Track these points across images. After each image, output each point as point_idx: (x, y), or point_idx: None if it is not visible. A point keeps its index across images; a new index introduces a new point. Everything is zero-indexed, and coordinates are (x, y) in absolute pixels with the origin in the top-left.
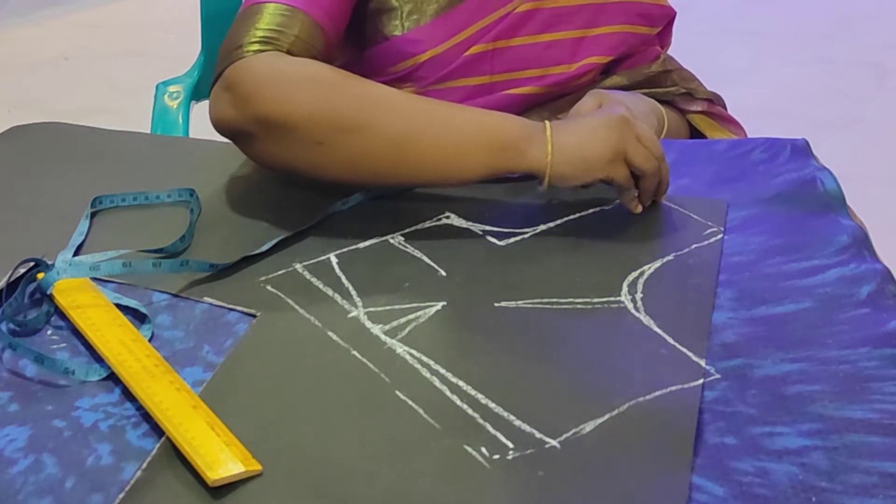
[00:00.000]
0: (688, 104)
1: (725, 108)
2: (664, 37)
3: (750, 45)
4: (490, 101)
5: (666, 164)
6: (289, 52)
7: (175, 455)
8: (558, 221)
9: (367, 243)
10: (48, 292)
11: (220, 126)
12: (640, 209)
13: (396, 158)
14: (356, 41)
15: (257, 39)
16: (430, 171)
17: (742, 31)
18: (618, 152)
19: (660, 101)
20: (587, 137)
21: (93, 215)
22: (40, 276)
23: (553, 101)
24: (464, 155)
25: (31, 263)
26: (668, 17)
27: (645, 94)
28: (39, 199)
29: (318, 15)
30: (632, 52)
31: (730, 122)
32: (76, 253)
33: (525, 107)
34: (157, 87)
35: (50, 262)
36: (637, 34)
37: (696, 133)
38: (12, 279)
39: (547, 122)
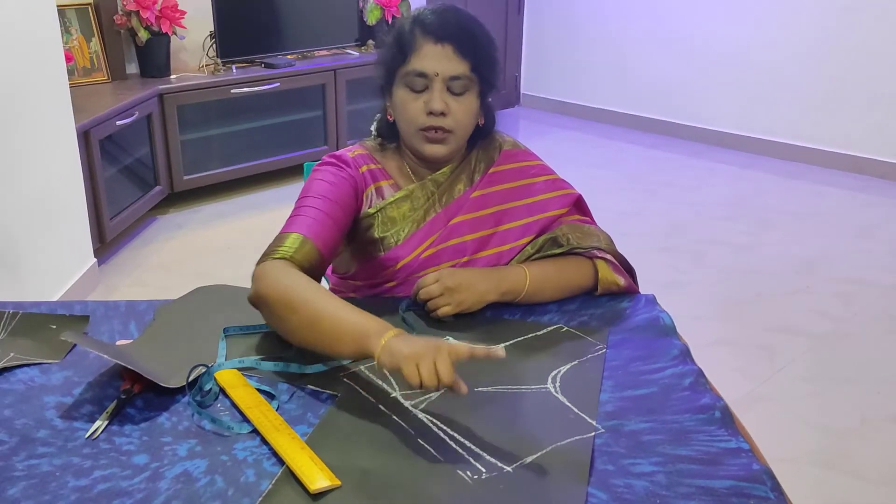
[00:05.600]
0: (588, 252)
1: (615, 253)
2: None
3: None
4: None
5: (450, 380)
6: (293, 261)
7: (291, 475)
8: (506, 343)
9: None
10: (212, 383)
11: (250, 300)
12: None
13: (309, 333)
14: (360, 259)
15: (276, 254)
16: (326, 346)
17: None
18: (416, 359)
19: (567, 253)
20: (410, 347)
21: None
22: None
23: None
24: (338, 339)
25: (203, 367)
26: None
27: (550, 254)
28: (202, 331)
29: (319, 244)
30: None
31: (617, 271)
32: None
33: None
34: None
35: (213, 364)
36: (544, 219)
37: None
38: (192, 377)
39: (391, 332)
